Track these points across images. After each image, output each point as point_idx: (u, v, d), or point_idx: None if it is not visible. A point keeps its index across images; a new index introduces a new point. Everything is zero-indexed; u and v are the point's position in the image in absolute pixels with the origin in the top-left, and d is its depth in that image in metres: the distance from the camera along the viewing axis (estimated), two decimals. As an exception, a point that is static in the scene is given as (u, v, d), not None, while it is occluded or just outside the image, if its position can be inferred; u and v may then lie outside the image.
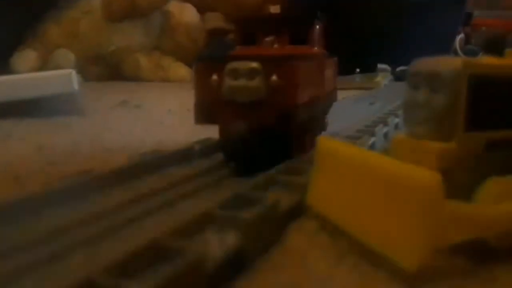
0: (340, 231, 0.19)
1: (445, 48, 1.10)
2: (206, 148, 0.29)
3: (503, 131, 0.19)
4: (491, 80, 0.18)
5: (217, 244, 0.16)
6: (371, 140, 0.34)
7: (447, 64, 0.18)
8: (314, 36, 0.29)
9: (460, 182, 0.18)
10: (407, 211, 0.16)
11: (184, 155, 0.28)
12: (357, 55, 0.89)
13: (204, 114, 0.26)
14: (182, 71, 1.08)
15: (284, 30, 0.28)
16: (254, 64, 0.24)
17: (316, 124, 0.31)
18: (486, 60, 0.19)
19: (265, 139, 0.25)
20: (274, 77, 0.24)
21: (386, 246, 0.16)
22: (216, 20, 1.12)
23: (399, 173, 0.16)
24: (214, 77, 0.25)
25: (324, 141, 0.21)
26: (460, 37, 1.33)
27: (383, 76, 0.92)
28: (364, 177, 0.18)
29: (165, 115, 0.57)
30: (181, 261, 0.14)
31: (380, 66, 0.96)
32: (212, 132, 0.28)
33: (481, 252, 0.18)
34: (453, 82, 0.18)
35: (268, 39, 0.28)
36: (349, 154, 0.20)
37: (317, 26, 0.29)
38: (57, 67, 0.99)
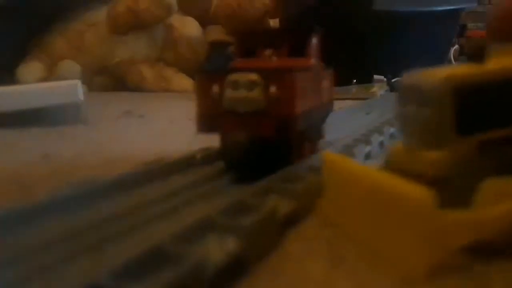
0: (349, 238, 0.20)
1: (441, 59, 1.10)
2: (207, 157, 0.29)
3: (493, 131, 0.19)
4: (474, 87, 0.18)
5: (218, 249, 0.17)
6: (366, 148, 0.34)
7: (430, 77, 0.18)
8: (311, 49, 0.29)
9: (458, 188, 0.18)
10: (405, 223, 0.16)
11: (186, 163, 0.28)
12: (353, 67, 0.89)
13: (206, 123, 0.26)
14: (184, 82, 1.08)
15: (283, 43, 0.29)
16: (254, 76, 0.25)
17: (314, 133, 0.31)
18: (467, 69, 0.19)
19: (264, 147, 0.25)
20: (273, 88, 0.24)
21: (392, 254, 0.17)
22: (217, 33, 1.13)
23: (395, 189, 0.17)
24: (215, 88, 0.25)
25: (329, 157, 0.22)
26: (454, 48, 1.33)
27: (379, 87, 0.92)
28: (367, 191, 0.19)
29: (167, 125, 0.57)
30: (183, 265, 0.14)
31: (376, 77, 0.97)
32: (213, 141, 0.29)
33: (484, 253, 0.18)
34: (436, 95, 0.18)
35: (267, 52, 0.28)
36: (353, 169, 0.21)
37: (315, 39, 0.30)
38: (62, 77, 0.99)
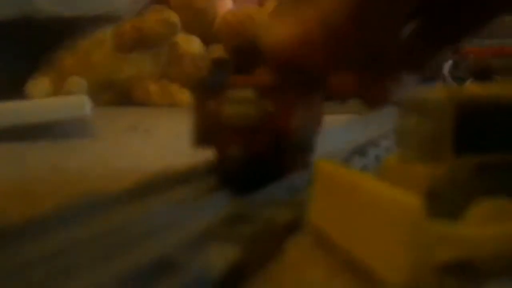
0: (334, 247, 0.19)
1: (435, 74, 1.11)
2: (209, 170, 0.29)
3: (493, 155, 0.18)
4: (477, 107, 0.18)
5: (219, 258, 0.17)
6: (362, 161, 0.34)
7: (434, 92, 0.18)
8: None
9: (451, 205, 0.18)
10: (392, 231, 0.15)
11: (189, 176, 0.28)
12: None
13: (202, 138, 0.27)
14: (187, 97, 1.08)
15: None
16: (249, 92, 0.25)
17: (307, 146, 0.32)
18: (472, 88, 0.19)
19: (259, 160, 0.25)
20: (268, 104, 0.25)
21: (376, 263, 0.16)
22: (219, 51, 1.13)
23: (385, 195, 0.16)
24: (212, 104, 0.26)
25: (321, 163, 0.22)
26: (449, 63, 1.34)
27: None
28: (357, 197, 0.18)
29: (172, 139, 0.57)
30: (185, 274, 0.15)
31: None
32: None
33: (470, 274, 0.17)
34: (439, 109, 0.18)
35: (263, 69, 0.29)
36: (344, 175, 0.20)
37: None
38: (69, 93, 1.00)
